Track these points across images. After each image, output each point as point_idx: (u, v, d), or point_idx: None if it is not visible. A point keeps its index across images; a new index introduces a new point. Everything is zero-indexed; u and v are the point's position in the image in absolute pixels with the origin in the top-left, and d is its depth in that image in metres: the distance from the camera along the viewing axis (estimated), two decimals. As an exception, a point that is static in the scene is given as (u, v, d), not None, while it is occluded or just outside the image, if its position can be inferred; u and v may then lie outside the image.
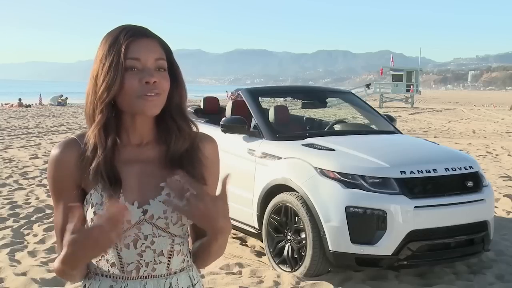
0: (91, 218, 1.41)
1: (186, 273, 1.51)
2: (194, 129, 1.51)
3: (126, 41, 1.40)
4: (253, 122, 5.52)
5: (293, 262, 4.72)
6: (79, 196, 1.45)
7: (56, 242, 1.49)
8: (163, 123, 1.48)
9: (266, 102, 14.94)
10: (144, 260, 1.43)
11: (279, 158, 4.96)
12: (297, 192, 4.64)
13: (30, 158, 11.27)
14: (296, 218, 4.68)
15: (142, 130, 1.46)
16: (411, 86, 43.34)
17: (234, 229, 5.86)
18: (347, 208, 4.33)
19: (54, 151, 1.45)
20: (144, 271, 1.43)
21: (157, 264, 1.44)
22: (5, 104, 34.11)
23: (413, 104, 43.03)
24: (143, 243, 1.42)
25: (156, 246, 1.43)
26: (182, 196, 1.33)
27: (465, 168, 4.68)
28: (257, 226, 5.16)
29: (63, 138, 13.83)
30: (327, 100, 7.37)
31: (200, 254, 1.54)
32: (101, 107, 1.40)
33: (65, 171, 1.44)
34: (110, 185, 1.40)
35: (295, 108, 13.94)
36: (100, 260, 1.45)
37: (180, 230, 1.46)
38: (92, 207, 1.41)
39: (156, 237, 1.43)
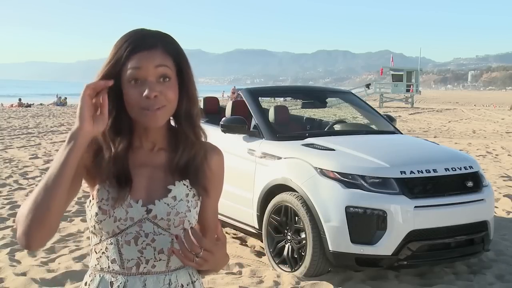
0: (96, 212, 1.43)
1: (186, 271, 1.53)
2: (203, 138, 1.53)
3: (128, 54, 1.39)
4: (253, 122, 5.51)
5: (293, 262, 4.72)
6: (80, 174, 1.43)
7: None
8: (175, 129, 1.51)
9: (266, 102, 14.94)
10: (145, 257, 1.45)
11: (279, 158, 4.96)
12: (297, 192, 4.64)
13: (30, 158, 11.26)
14: (296, 218, 4.68)
15: (154, 137, 1.50)
16: (411, 86, 43.33)
17: (234, 229, 5.86)
18: (347, 208, 4.33)
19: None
20: (144, 267, 1.46)
21: (157, 261, 1.47)
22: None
23: (413, 104, 43.02)
24: (143, 241, 1.44)
25: (156, 244, 1.45)
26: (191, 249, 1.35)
27: (465, 168, 4.68)
28: (257, 226, 5.16)
29: (63, 139, 13.83)
30: (327, 100, 7.36)
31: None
32: None
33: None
34: (119, 185, 1.43)
35: (295, 108, 13.94)
36: (101, 256, 1.47)
37: (181, 231, 1.48)
38: (97, 202, 1.43)
39: (156, 235, 1.45)
